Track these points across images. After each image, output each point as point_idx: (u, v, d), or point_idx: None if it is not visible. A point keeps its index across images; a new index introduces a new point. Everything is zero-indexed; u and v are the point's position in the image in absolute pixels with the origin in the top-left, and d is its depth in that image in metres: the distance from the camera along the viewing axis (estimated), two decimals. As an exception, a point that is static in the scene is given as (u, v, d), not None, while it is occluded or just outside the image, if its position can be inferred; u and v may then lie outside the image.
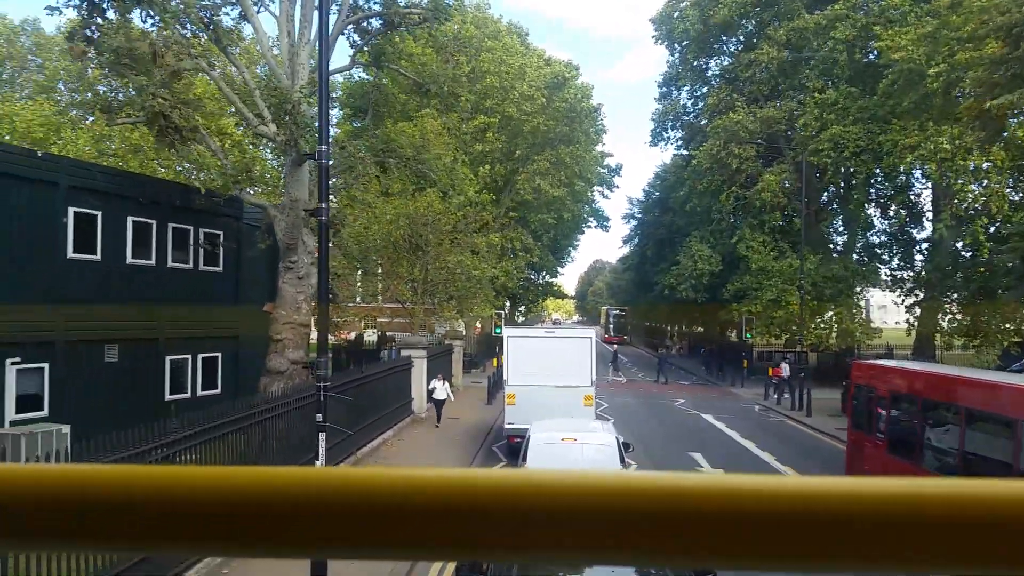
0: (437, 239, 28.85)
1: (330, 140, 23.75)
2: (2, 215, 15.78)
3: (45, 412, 16.30)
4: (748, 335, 37.36)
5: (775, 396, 30.62)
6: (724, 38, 44.10)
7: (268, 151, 30.75)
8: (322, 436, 11.12)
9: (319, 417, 11.09)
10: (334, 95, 39.25)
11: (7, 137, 27.34)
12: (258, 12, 19.22)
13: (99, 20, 16.73)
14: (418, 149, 24.47)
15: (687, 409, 28.88)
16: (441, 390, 22.55)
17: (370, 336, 37.39)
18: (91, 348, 17.72)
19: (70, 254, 17.46)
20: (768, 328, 38.34)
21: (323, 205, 12.48)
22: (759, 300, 35.52)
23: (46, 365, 16.57)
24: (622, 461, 12.34)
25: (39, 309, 16.28)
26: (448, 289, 29.89)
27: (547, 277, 58.09)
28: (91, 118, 28.76)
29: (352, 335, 35.72)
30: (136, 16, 17.25)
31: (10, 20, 42.75)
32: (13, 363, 15.73)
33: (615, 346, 53.30)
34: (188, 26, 17.81)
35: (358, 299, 33.83)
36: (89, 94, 30.44)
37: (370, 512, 0.48)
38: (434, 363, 26.07)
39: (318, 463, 11.53)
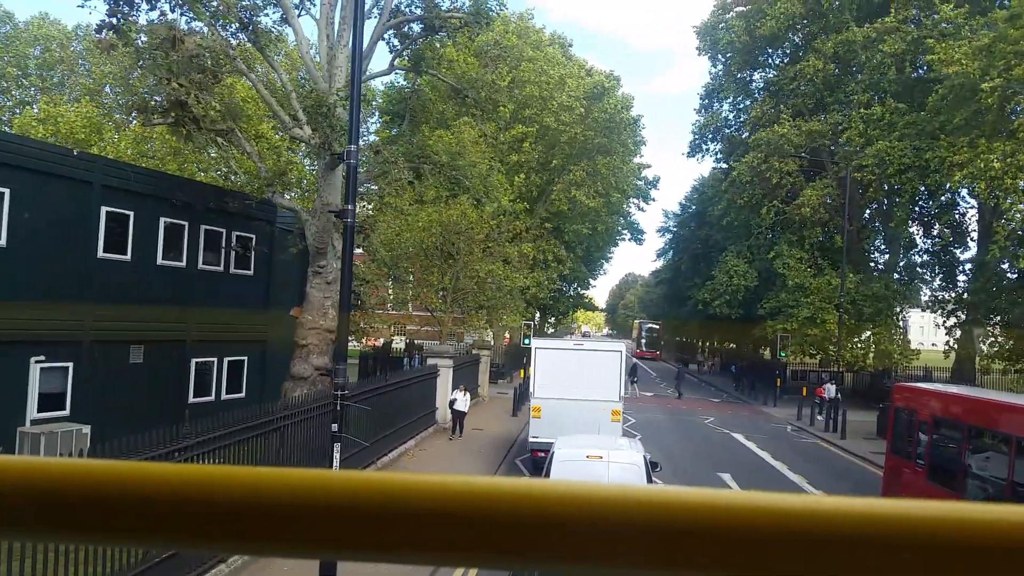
0: (469, 248, 28.64)
1: (365, 144, 23.80)
2: (35, 212, 15.91)
3: (67, 411, 16.36)
4: (782, 353, 36.50)
5: (819, 417, 29.49)
6: (770, 50, 43.41)
7: (304, 155, 30.86)
8: (336, 446, 10.87)
9: (334, 427, 10.85)
10: (374, 102, 39.45)
11: (51, 138, 27.82)
12: (299, 16, 19.22)
13: (126, 9, 16.66)
14: (453, 156, 24.30)
15: (717, 427, 28.18)
16: (462, 401, 22.12)
17: (398, 344, 37.30)
18: (117, 348, 17.79)
19: (100, 253, 17.56)
20: (802, 346, 37.47)
21: (349, 207, 12.29)
22: (795, 317, 34.71)
23: (71, 364, 16.63)
24: (649, 481, 11.90)
25: (66, 307, 16.38)
26: (478, 298, 29.64)
27: (578, 289, 57.53)
28: (133, 120, 29.18)
29: (380, 342, 35.66)
30: (166, 7, 17.22)
31: (64, 25, 43.82)
32: (37, 361, 15.81)
33: (635, 359, 52.00)
34: (228, 27, 17.85)
35: (388, 306, 33.74)
36: (134, 96, 31.02)
37: (382, 515, 0.49)
38: (460, 373, 25.79)
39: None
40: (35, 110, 34.30)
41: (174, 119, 16.46)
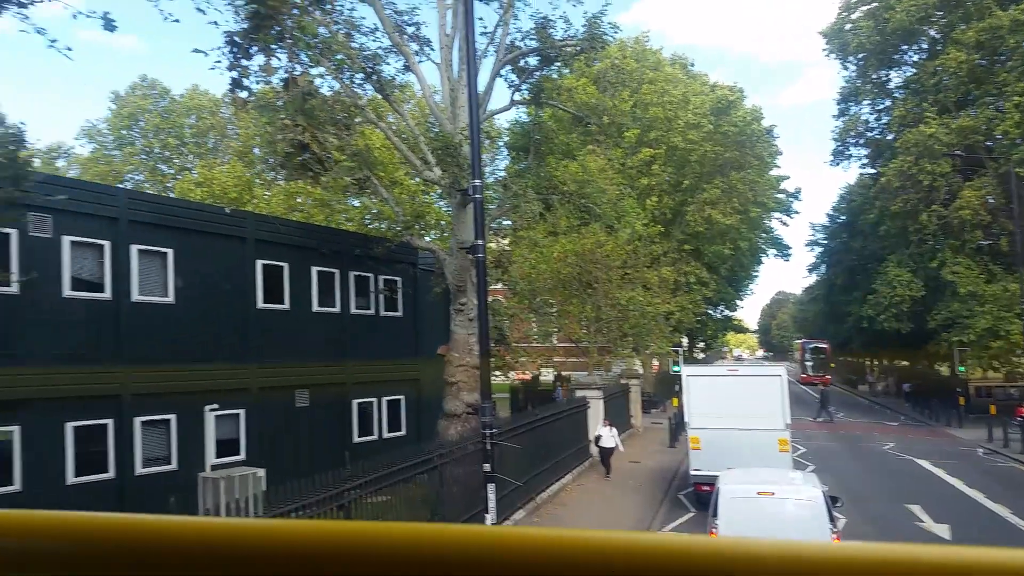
0: (607, 276, 28.15)
1: (494, 180, 23.87)
2: (198, 269, 16.91)
3: (242, 456, 17.10)
4: (961, 368, 33.32)
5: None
6: (904, 47, 40.62)
7: (438, 197, 31.58)
8: (491, 487, 10.55)
9: (486, 467, 10.54)
10: (500, 140, 40.07)
11: (208, 199, 29.91)
12: (420, 62, 19.66)
13: (244, 63, 17.28)
14: (581, 184, 24.05)
15: (897, 454, 25.85)
16: (608, 437, 20.76)
17: (546, 376, 37.09)
18: (283, 393, 18.51)
19: (260, 304, 18.41)
20: (983, 360, 34.03)
21: (479, 242, 12.15)
22: (971, 329, 31.61)
23: (242, 411, 17.44)
24: (830, 518, 10.82)
25: (233, 357, 17.24)
26: (622, 326, 28.98)
27: (725, 311, 55.47)
28: (280, 178, 30.92)
29: (528, 375, 35.59)
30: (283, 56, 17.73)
31: (213, 95, 47.39)
32: (211, 409, 16.66)
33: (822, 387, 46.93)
34: (354, 79, 18.44)
35: (533, 339, 33.70)
36: (275, 155, 32.90)
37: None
38: (611, 403, 25.09)
39: (488, 516, 10.97)
40: (194, 174, 37.08)
41: (300, 163, 16.90)
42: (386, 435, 21.62)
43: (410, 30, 19.19)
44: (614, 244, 28.54)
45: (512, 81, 21.41)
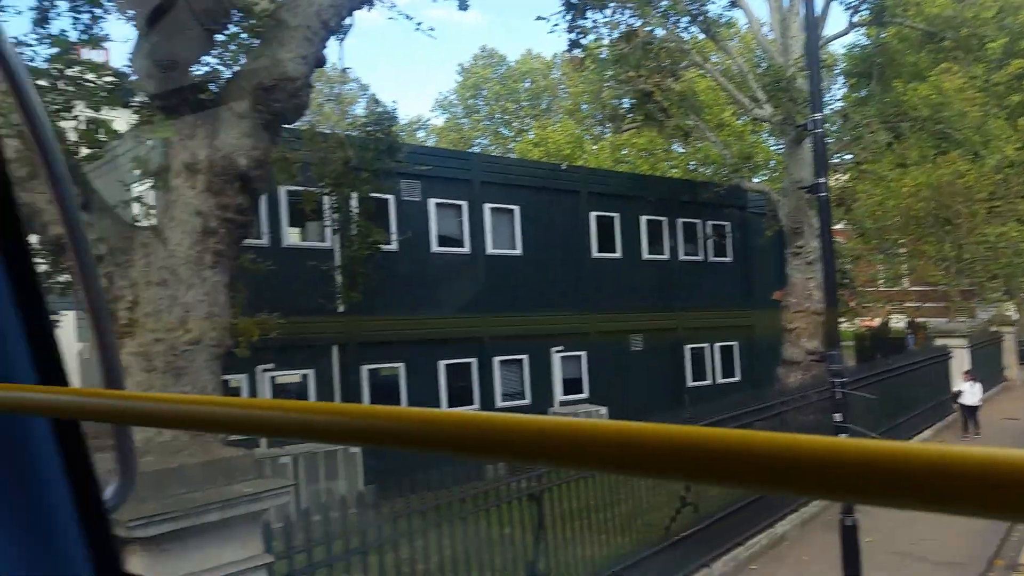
0: (970, 210, 24.68)
1: (832, 112, 22.18)
2: (541, 223, 18.36)
3: (585, 394, 18.52)
4: None
5: None
6: None
7: (768, 135, 30.10)
8: (842, 437, 10.11)
9: (837, 416, 10.14)
10: (836, 68, 36.80)
11: (544, 158, 31.89)
12: (747, -3, 18.81)
13: (581, 22, 17.78)
14: (936, 108, 21.30)
15: None
16: (970, 393, 18.29)
17: (897, 323, 33.87)
18: (618, 337, 19.50)
19: (595, 253, 19.48)
20: None
21: (821, 180, 11.41)
22: None
23: (583, 353, 18.77)
24: None
25: (573, 302, 18.56)
26: (989, 267, 25.33)
27: None
28: (608, 131, 31.86)
29: (876, 321, 32.84)
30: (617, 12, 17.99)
31: (544, 57, 49.93)
32: (557, 351, 18.21)
33: None
34: (679, 23, 18.27)
35: (880, 283, 30.94)
36: (605, 109, 33.86)
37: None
38: (977, 354, 22.23)
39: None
40: (530, 135, 39.68)
41: (644, 114, 17.35)
42: (720, 380, 21.66)
43: (737, -38, 18.49)
44: (979, 173, 24.86)
45: (849, 2, 19.60)
